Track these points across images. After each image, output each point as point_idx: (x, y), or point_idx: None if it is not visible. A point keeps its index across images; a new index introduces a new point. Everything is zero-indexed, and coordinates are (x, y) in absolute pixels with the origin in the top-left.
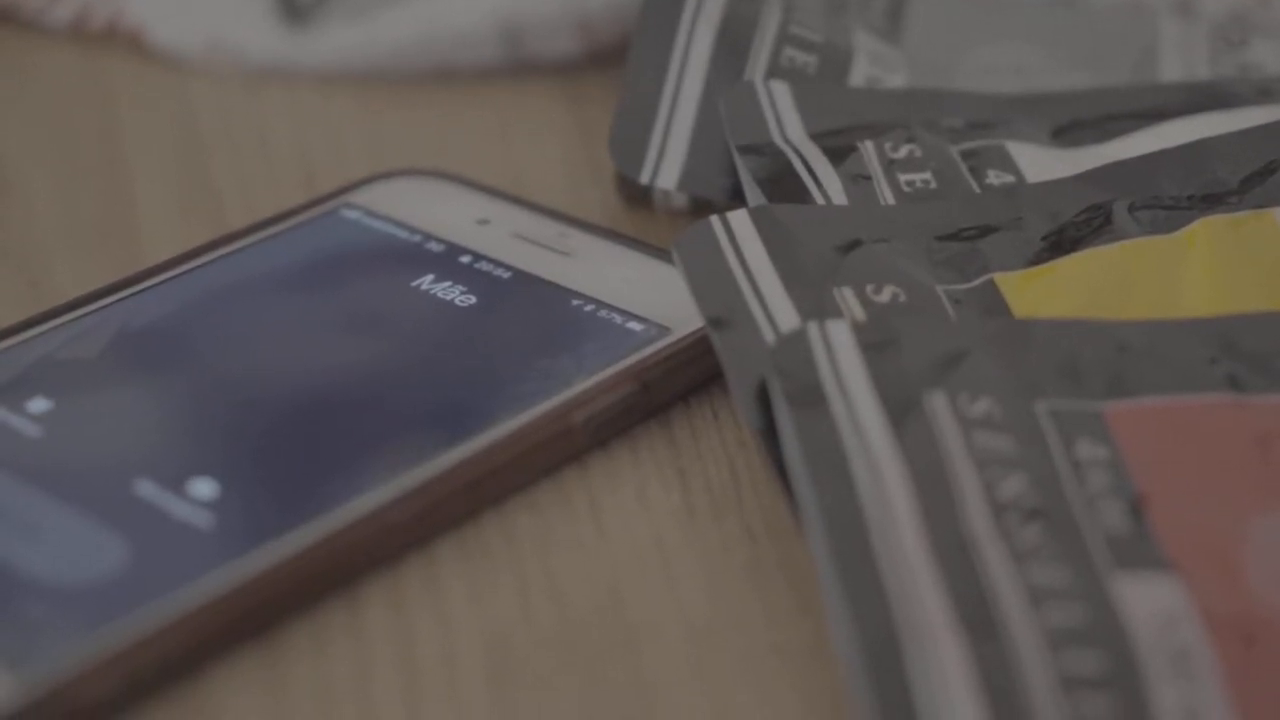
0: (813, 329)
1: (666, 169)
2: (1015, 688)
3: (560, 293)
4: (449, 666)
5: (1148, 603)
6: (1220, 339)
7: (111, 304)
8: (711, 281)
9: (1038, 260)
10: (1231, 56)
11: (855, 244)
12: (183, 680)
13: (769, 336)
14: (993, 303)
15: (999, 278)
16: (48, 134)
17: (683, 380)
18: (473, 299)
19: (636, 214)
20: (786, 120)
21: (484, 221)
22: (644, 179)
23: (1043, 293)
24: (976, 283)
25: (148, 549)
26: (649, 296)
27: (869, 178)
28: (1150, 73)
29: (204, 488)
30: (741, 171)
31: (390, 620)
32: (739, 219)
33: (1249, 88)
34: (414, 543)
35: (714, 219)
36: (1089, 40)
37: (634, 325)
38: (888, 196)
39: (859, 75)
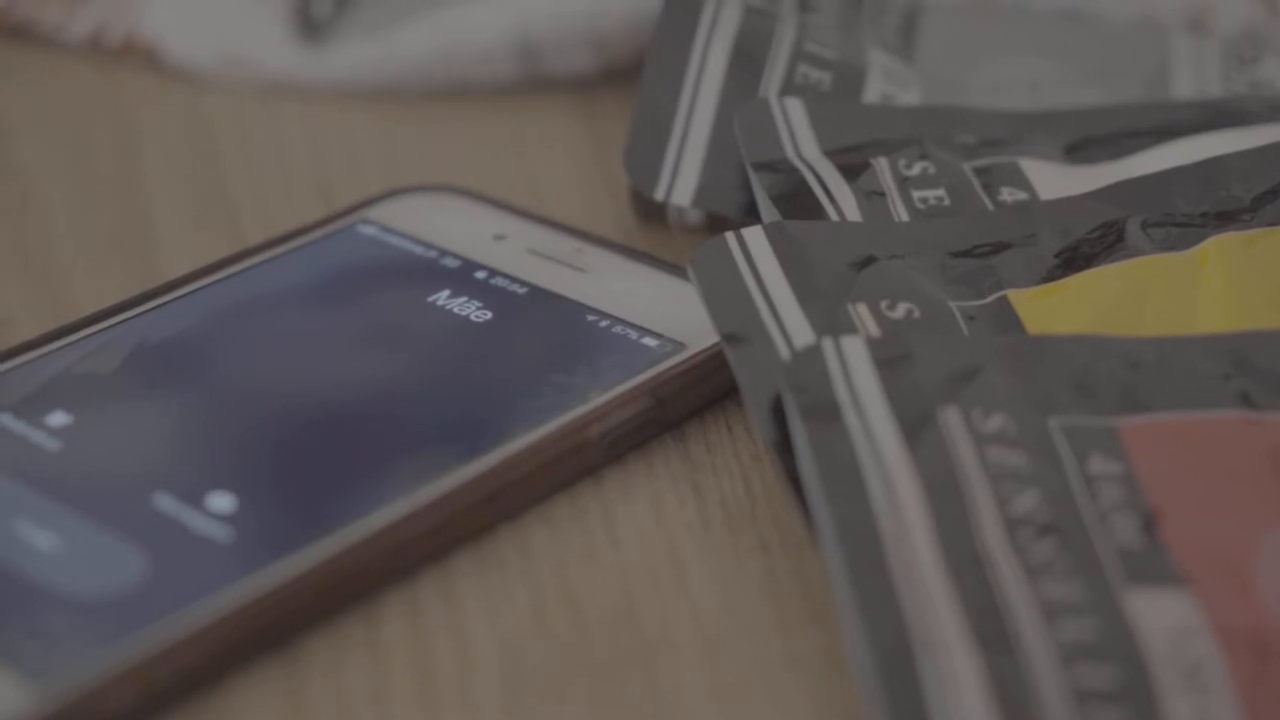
0: (827, 344)
1: (681, 185)
2: (1028, 701)
3: (575, 308)
4: (465, 679)
5: (1160, 617)
6: (1233, 356)
7: (130, 318)
8: (726, 297)
9: (1051, 277)
10: (1243, 73)
11: (869, 260)
12: (202, 692)
13: (784, 352)
14: (1006, 319)
15: (1012, 294)
16: (65, 149)
17: (697, 395)
18: (488, 314)
19: (651, 230)
20: (801, 137)
21: (500, 237)
22: (659, 195)
23: (1056, 309)
24: (990, 299)
25: (166, 562)
26: (664, 312)
27: (883, 194)
28: (1162, 89)
29: (222, 502)
30: (756, 188)
31: (407, 633)
32: (754, 235)
33: (1262, 105)
34: (431, 556)
35: (729, 235)
36: (1101, 56)
37: (649, 340)
38: (902, 213)
39: (873, 91)
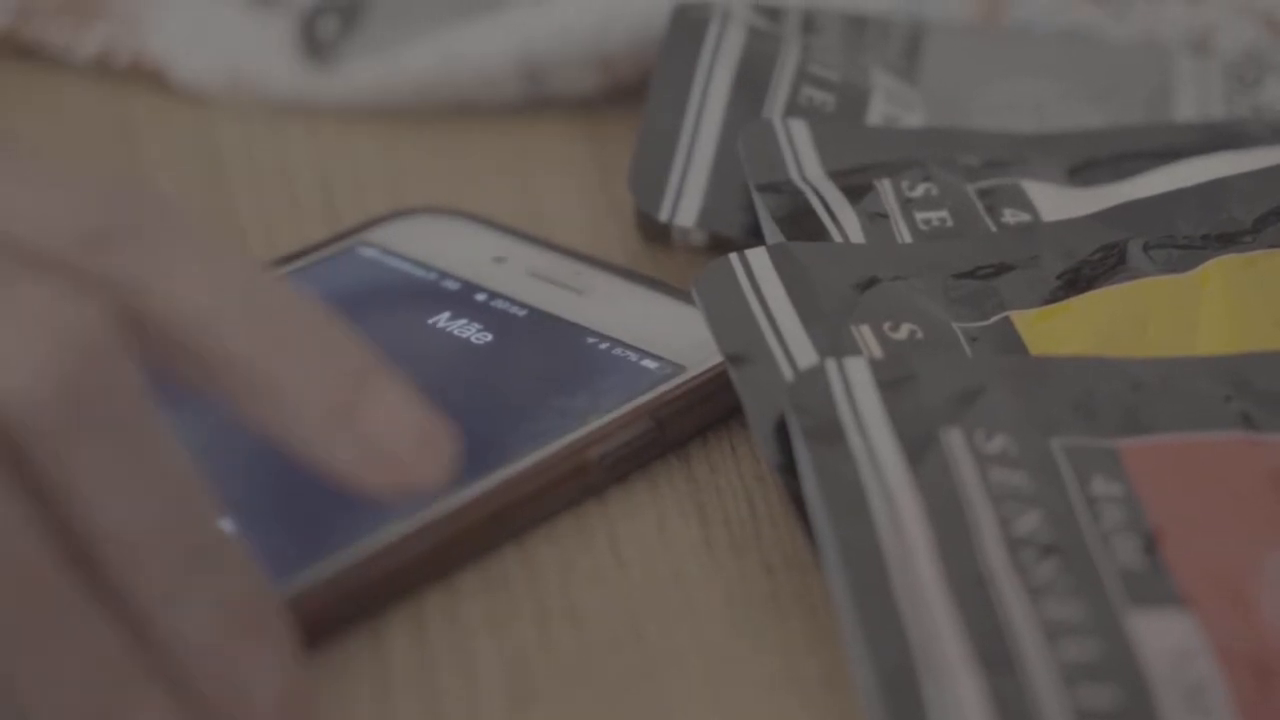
0: (831, 366)
1: (685, 206)
2: None
3: (575, 330)
4: (471, 697)
5: (1162, 638)
6: (1234, 377)
7: None
8: (730, 319)
9: (1053, 298)
10: (1246, 95)
11: (873, 282)
12: None
13: (787, 373)
14: (1009, 340)
15: (1015, 315)
16: (72, 168)
17: (698, 417)
18: (489, 336)
19: (655, 251)
20: (805, 158)
21: (500, 259)
22: (663, 216)
23: (1058, 330)
24: (993, 320)
25: None
26: (663, 334)
27: (886, 216)
28: (1164, 110)
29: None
30: (760, 209)
31: (412, 651)
32: (758, 257)
33: (1263, 128)
34: (435, 575)
35: (733, 256)
36: (1104, 77)
37: (649, 363)
38: (905, 235)
39: (876, 113)
